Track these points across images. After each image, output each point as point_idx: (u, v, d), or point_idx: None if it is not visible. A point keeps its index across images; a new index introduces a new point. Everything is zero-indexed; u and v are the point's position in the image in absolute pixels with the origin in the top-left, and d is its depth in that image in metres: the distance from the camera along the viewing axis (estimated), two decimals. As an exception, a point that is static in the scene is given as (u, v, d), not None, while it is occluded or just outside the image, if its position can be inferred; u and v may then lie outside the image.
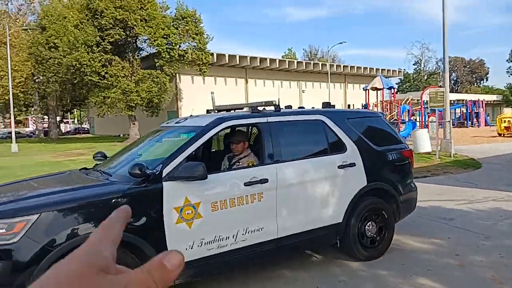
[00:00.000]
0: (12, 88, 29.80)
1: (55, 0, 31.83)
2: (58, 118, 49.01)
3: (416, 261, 4.60)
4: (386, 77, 32.16)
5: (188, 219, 3.47)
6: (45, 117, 46.24)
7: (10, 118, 33.17)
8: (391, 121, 24.44)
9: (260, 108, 4.42)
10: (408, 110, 26.32)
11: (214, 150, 5.34)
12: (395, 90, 28.36)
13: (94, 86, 27.90)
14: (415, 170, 11.12)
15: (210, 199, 3.60)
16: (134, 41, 29.81)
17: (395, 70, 52.97)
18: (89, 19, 27.02)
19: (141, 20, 27.10)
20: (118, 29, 27.02)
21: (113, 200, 3.21)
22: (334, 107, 5.14)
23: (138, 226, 3.25)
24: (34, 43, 29.65)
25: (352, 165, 4.50)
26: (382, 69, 49.22)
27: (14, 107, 31.39)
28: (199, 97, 29.26)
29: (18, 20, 37.99)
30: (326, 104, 5.10)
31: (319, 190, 4.30)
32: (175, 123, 4.63)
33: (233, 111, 4.94)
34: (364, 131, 4.78)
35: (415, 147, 15.43)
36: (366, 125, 4.93)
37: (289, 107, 5.16)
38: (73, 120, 79.62)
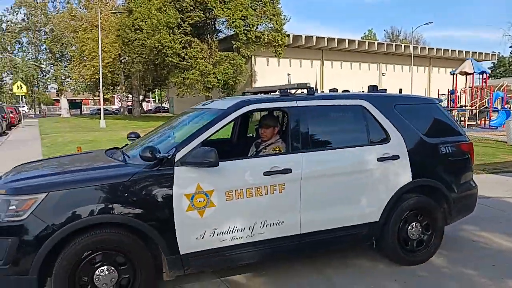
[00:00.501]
0: (102, 68, 32.10)
1: (141, -16, 33.34)
2: (141, 97, 52.06)
3: (508, 263, 4.13)
4: (477, 61, 29.44)
5: (200, 207, 3.32)
6: (129, 95, 49.36)
7: (99, 96, 35.89)
8: (480, 109, 22.44)
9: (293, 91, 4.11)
10: (502, 98, 23.90)
11: (250, 135, 5.10)
12: (487, 75, 25.88)
13: (175, 67, 29.00)
14: (510, 164, 10.16)
15: (224, 188, 3.39)
16: (213, 23, 30.38)
17: (488, 53, 48.41)
18: (171, 2, 27.94)
19: (220, 2, 27.46)
20: (198, 11, 27.68)
21: (120, 183, 3.16)
22: (385, 91, 4.65)
23: (146, 212, 3.18)
24: (121, 25, 31.49)
25: (395, 158, 4.02)
26: (472, 52, 45.25)
27: (102, 86, 33.89)
28: (273, 79, 29.18)
29: (108, 4, 40.51)
30: (372, 88, 4.64)
31: (352, 185, 3.89)
32: (202, 105, 4.47)
33: (269, 94, 4.62)
34: (414, 120, 4.26)
35: (509, 138, 14.05)
36: (418, 113, 4.40)
37: (335, 90, 4.81)
38: (154, 99, 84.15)
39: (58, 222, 2.97)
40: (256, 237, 3.52)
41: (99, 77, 31.39)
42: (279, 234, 3.60)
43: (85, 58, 37.56)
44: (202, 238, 3.34)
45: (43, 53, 46.54)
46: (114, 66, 38.65)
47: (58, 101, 61.40)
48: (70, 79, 45.43)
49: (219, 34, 32.33)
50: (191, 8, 27.58)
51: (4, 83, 44.92)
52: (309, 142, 3.78)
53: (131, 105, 49.45)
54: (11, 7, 43.39)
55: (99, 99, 35.17)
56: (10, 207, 2.99)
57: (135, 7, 29.32)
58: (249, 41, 28.75)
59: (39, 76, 46.69)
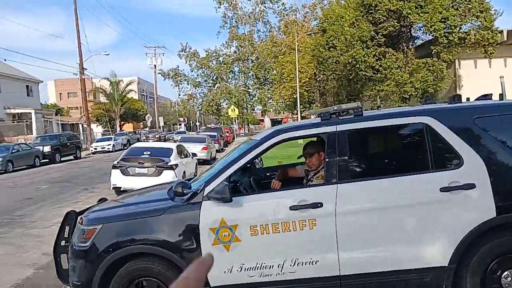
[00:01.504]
0: (299, 87, 34.28)
1: (334, 3, 34.48)
2: (336, 113, 53.26)
3: None
4: None
5: (225, 242, 3.32)
6: (325, 112, 51.06)
7: (297, 114, 38.36)
8: None
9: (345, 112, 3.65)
10: None
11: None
12: None
13: (368, 80, 28.72)
14: None
15: (248, 223, 3.31)
16: (408, 30, 28.94)
17: None
18: (363, 15, 27.95)
19: (416, 7, 26.01)
20: (392, 21, 26.84)
21: (154, 217, 3.44)
22: (489, 98, 3.71)
23: (176, 245, 3.35)
24: (316, 45, 33.12)
25: (470, 186, 3.21)
26: None
27: (300, 104, 36.14)
28: (482, 82, 25.66)
29: (303, 27, 43.22)
30: (453, 98, 3.82)
31: (404, 221, 3.28)
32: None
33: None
34: (506, 135, 3.38)
35: None
36: None
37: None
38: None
39: (106, 251, 3.44)
40: (287, 276, 3.30)
41: (297, 97, 33.56)
42: (314, 274, 3.29)
43: (284, 80, 40.81)
44: (230, 272, 3.33)
45: (250, 79, 52.80)
46: (310, 85, 40.72)
47: (262, 120, 68.37)
48: (272, 100, 50.02)
49: (415, 41, 30.52)
50: (385, 18, 26.93)
51: (221, 108, 52.69)
52: (347, 172, 3.38)
53: (326, 121, 50.90)
54: (226, 42, 50.91)
55: (297, 117, 37.60)
56: (83, 235, 3.57)
57: (329, 25, 30.45)
58: (451, 44, 26.22)
59: (247, 99, 53.02)
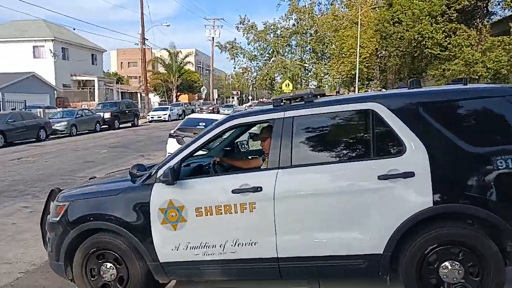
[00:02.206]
0: (358, 63, 32.97)
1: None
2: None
3: None
4: None
5: (173, 221, 3.53)
6: (383, 90, 49.05)
7: (353, 91, 37.11)
8: None
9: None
10: None
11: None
12: None
13: (434, 59, 27.02)
14: None
15: (194, 204, 3.51)
16: (484, 5, 26.59)
17: None
18: (435, -12, 26.01)
19: (496, -21, 23.71)
20: (467, -6, 24.73)
21: (111, 197, 3.74)
22: (461, 83, 3.71)
23: (129, 223, 3.60)
24: (380, 20, 31.46)
25: (408, 175, 3.20)
26: None
27: (358, 81, 34.89)
28: None
29: (368, 0, 41.17)
30: (411, 84, 3.72)
31: (339, 208, 3.35)
32: None
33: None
34: (454, 123, 3.33)
35: None
36: (464, 112, 3.43)
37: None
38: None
39: (71, 225, 3.77)
40: (229, 255, 3.49)
41: (355, 73, 32.33)
42: (253, 255, 3.47)
43: (343, 55, 39.42)
44: (177, 250, 3.56)
45: (307, 53, 51.45)
46: (370, 61, 39.08)
47: (317, 97, 67.07)
48: (328, 76, 48.69)
49: (492, 17, 28.05)
50: (459, -9, 24.85)
51: (275, 82, 52.16)
52: (289, 157, 3.45)
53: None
54: (285, 14, 49.71)
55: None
56: (55, 211, 3.90)
57: (395, -1, 28.66)
58: (534, 21, 23.74)
59: (302, 74, 51.98)
